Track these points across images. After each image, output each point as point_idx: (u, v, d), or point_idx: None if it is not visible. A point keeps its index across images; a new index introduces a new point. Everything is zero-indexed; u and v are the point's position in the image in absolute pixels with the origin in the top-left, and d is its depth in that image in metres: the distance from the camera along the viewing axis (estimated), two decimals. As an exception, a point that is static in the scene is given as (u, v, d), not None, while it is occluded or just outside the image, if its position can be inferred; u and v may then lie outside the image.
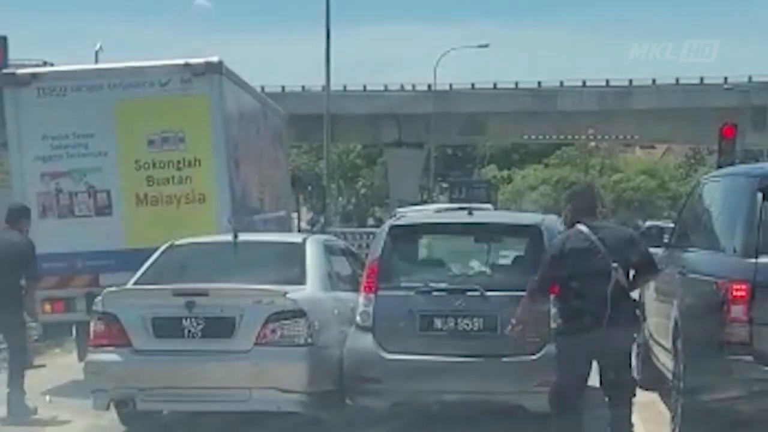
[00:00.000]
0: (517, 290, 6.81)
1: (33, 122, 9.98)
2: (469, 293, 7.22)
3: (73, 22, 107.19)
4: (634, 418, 6.69)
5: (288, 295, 7.09)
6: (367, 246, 13.11)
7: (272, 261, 8.07)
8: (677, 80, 48.01)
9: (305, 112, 34.96)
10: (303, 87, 48.39)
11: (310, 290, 7.56)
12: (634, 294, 6.80)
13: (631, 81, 48.81)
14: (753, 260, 6.18)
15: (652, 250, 6.93)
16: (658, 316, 8.16)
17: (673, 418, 7.14)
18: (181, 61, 9.98)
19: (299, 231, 15.40)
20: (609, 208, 51.32)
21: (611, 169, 65.55)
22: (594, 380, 6.58)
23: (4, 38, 22.10)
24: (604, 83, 49.08)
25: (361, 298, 7.47)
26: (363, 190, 67.77)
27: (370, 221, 56.53)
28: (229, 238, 8.23)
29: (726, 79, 46.47)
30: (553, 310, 6.90)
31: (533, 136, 53.75)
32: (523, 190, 62.39)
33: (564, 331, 6.53)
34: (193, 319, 7.09)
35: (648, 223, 21.01)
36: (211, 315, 7.09)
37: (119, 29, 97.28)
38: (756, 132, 42.10)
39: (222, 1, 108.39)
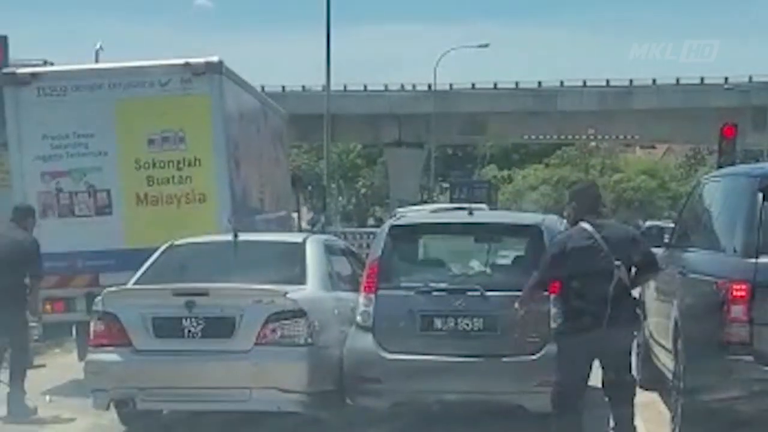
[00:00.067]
0: (518, 290, 6.81)
1: (33, 122, 9.97)
2: (470, 293, 7.22)
3: (73, 22, 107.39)
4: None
5: (288, 295, 7.09)
6: (368, 246, 13.12)
7: (272, 261, 8.06)
8: (677, 80, 48.08)
9: (305, 112, 34.99)
10: (303, 87, 48.45)
11: (310, 290, 7.55)
12: (634, 292, 6.80)
13: (631, 81, 48.90)
14: (753, 260, 6.18)
15: (652, 249, 6.95)
16: (658, 316, 8.16)
17: (673, 418, 7.13)
18: (181, 61, 9.97)
19: (300, 231, 15.37)
20: (609, 208, 51.31)
21: (611, 169, 65.63)
22: (594, 380, 6.58)
23: (5, 38, 22.05)
24: (604, 83, 49.15)
25: (361, 298, 7.46)
26: (363, 190, 67.80)
27: (371, 221, 56.52)
28: (229, 237, 8.23)
29: (726, 79, 46.53)
30: (554, 310, 6.90)
31: (533, 136, 53.80)
32: (524, 190, 62.44)
33: (565, 331, 6.53)
34: (193, 319, 7.08)
35: (648, 223, 20.98)
36: (211, 315, 7.08)
37: (119, 29, 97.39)
38: (756, 132, 42.13)
39: (222, 1, 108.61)
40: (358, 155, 66.35)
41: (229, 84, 10.27)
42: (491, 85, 50.02)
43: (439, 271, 7.75)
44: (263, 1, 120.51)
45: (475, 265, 7.72)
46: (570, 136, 54.82)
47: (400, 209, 20.47)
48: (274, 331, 7.00)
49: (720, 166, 17.29)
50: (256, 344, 7.00)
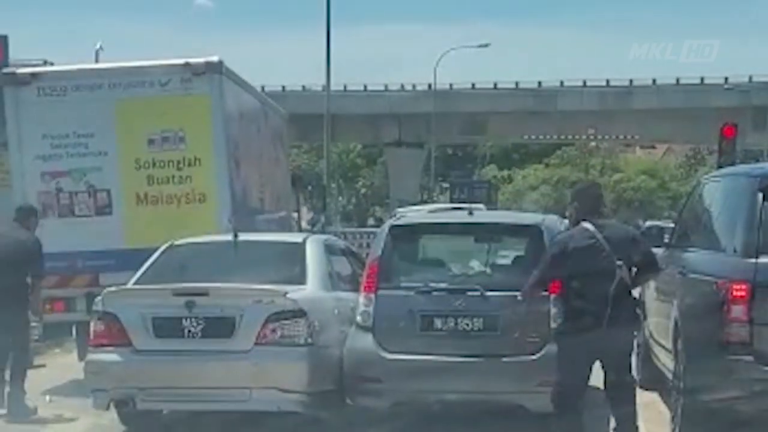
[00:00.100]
0: (518, 290, 6.82)
1: (33, 122, 9.98)
2: (470, 293, 7.21)
3: (73, 22, 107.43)
4: (634, 418, 6.69)
5: (288, 295, 7.08)
6: (368, 246, 13.13)
7: (272, 261, 8.07)
8: (677, 80, 48.07)
9: (305, 112, 34.96)
10: (303, 87, 48.42)
11: (310, 290, 7.55)
12: (634, 293, 6.81)
13: (631, 81, 48.89)
14: (753, 260, 6.18)
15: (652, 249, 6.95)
16: (658, 316, 8.16)
17: (673, 418, 7.13)
18: (181, 61, 9.97)
19: (300, 231, 15.36)
20: (609, 208, 51.28)
21: (612, 169, 65.63)
22: (594, 380, 6.58)
23: (5, 38, 22.07)
24: (604, 83, 49.15)
25: (361, 298, 7.46)
26: (363, 190, 67.81)
27: (371, 221, 56.53)
28: (229, 237, 8.23)
29: (726, 79, 46.53)
30: (554, 310, 6.91)
31: (533, 136, 53.79)
32: (524, 190, 62.45)
33: (565, 331, 6.53)
34: (193, 319, 7.08)
35: (648, 223, 20.99)
36: (211, 315, 7.08)
37: (119, 29, 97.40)
38: (756, 132, 42.14)
39: (222, 1, 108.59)
40: (358, 155, 66.35)
41: (229, 84, 10.27)
42: (491, 85, 50.02)
43: (439, 271, 7.74)
44: (263, 1, 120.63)
45: (475, 265, 7.72)
46: (570, 136, 54.80)
47: (400, 209, 20.47)
48: (274, 331, 7.00)
49: (720, 166, 17.29)
50: (256, 344, 6.99)
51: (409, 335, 7.23)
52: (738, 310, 6.10)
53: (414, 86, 50.23)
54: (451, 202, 35.67)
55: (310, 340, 7.04)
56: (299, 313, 7.03)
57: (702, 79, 47.70)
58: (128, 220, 9.92)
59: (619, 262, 6.28)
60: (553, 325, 6.88)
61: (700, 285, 6.80)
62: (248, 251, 8.14)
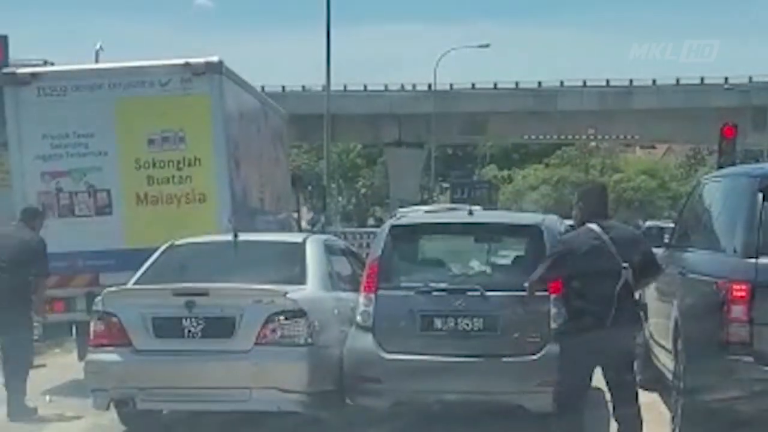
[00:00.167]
0: (518, 290, 6.82)
1: (33, 122, 9.98)
2: (470, 293, 7.21)
3: (73, 22, 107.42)
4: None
5: (288, 295, 7.08)
6: (368, 246, 13.12)
7: (272, 261, 8.07)
8: (677, 80, 48.08)
9: (305, 112, 34.98)
10: (303, 87, 48.44)
11: (310, 290, 7.55)
12: (635, 294, 6.80)
13: (631, 81, 48.91)
14: (753, 260, 6.18)
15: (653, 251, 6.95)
16: (659, 316, 8.16)
17: (673, 418, 7.13)
18: (181, 61, 9.97)
19: (300, 230, 15.35)
20: (610, 208, 51.28)
21: (612, 169, 65.57)
22: (595, 380, 6.57)
23: (5, 38, 22.11)
24: (604, 83, 49.16)
25: (361, 298, 7.46)
26: (363, 190, 67.80)
27: (371, 221, 56.49)
28: (229, 237, 8.23)
29: (726, 79, 46.55)
30: (554, 311, 6.90)
31: (533, 136, 53.77)
32: (524, 190, 62.41)
33: (567, 331, 6.52)
34: (193, 319, 7.08)
35: (648, 223, 20.95)
36: (211, 315, 7.08)
37: (119, 29, 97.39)
38: (756, 132, 42.14)
39: (222, 1, 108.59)
40: (358, 155, 66.33)
41: (229, 84, 10.27)
42: (491, 85, 50.02)
43: (439, 271, 7.74)
44: (263, 1, 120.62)
45: (475, 265, 7.72)
46: (570, 136, 54.78)
47: (401, 209, 20.47)
48: (274, 331, 6.99)
49: (720, 166, 17.29)
50: (256, 344, 6.99)
51: (409, 335, 7.23)
52: (738, 311, 6.10)
53: (414, 86, 50.24)
54: (452, 202, 35.71)
55: (310, 340, 7.04)
56: (299, 313, 7.03)
57: (702, 79, 47.72)
58: (128, 220, 9.92)
59: (624, 264, 6.27)
60: (553, 325, 6.88)
61: (700, 285, 6.80)
62: (248, 251, 8.14)
